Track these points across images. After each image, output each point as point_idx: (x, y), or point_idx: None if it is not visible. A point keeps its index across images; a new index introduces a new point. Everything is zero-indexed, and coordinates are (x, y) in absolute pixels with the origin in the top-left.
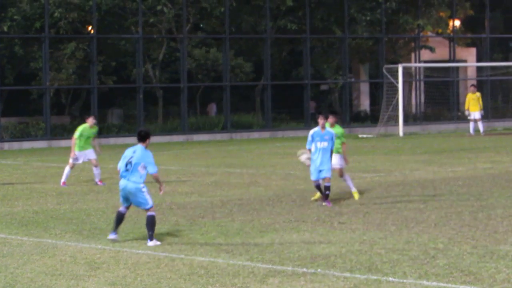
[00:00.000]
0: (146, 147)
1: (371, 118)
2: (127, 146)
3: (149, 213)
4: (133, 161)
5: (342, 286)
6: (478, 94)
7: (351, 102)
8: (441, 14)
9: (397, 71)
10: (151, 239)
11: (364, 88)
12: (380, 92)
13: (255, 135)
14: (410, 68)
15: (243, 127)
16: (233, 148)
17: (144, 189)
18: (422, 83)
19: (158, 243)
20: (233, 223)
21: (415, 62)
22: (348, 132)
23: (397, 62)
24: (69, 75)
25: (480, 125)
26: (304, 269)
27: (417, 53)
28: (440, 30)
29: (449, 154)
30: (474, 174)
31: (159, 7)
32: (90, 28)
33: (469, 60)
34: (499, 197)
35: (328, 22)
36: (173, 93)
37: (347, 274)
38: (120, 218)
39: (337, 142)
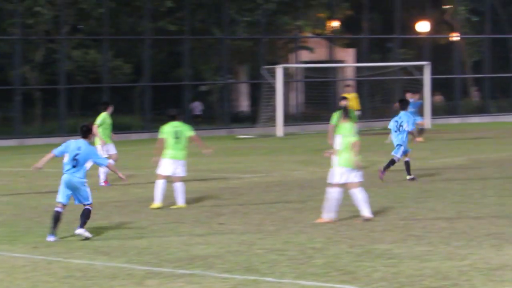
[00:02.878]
0: (89, 143)
1: (251, 119)
2: (4, 149)
3: (87, 206)
4: (80, 158)
5: (221, 287)
6: (353, 94)
7: (230, 103)
8: (320, 15)
9: (276, 72)
10: (81, 226)
11: (244, 89)
12: (260, 93)
13: (134, 136)
14: (289, 68)
15: (122, 129)
16: None
17: (87, 185)
18: (301, 84)
19: (87, 234)
20: (111, 225)
21: (294, 63)
22: (228, 133)
23: (276, 63)
24: None
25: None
26: (183, 271)
27: (296, 54)
28: (319, 31)
29: None
30: None
31: (36, 9)
32: None
33: (348, 60)
34: (376, 196)
35: (207, 23)
36: (52, 95)
37: (226, 275)
38: (58, 218)
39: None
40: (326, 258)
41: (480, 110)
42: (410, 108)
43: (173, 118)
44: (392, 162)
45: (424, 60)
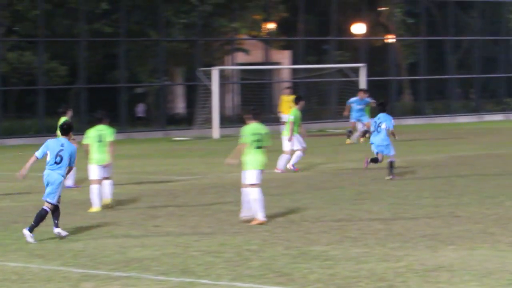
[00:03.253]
0: (69, 140)
1: (187, 121)
2: None
3: (46, 207)
4: (64, 154)
5: None
6: (292, 97)
7: (166, 105)
8: (256, 17)
9: (212, 74)
10: (30, 229)
11: (180, 91)
12: (196, 95)
13: None
14: (225, 70)
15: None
16: None
17: (61, 185)
18: (237, 86)
19: (29, 236)
20: (46, 228)
21: (230, 64)
22: (164, 135)
23: (212, 65)
24: None
25: None
26: (119, 273)
27: (232, 56)
28: (255, 33)
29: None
30: (288, 175)
31: None
32: None
33: (283, 62)
34: (312, 198)
35: (143, 25)
36: None
37: (162, 277)
38: (43, 215)
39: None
40: (262, 260)
41: (416, 112)
42: (356, 106)
43: (99, 121)
44: (384, 162)
45: (360, 62)
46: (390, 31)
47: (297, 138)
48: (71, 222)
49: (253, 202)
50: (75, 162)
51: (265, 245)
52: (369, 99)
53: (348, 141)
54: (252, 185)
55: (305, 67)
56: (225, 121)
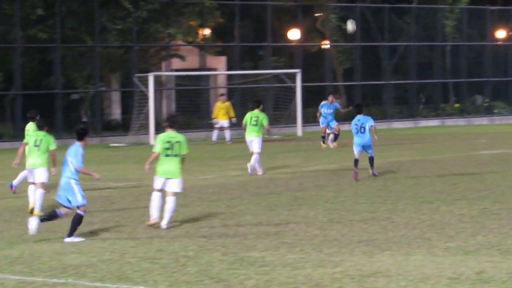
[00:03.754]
0: (83, 145)
1: (123, 127)
2: None
3: (78, 211)
4: (66, 157)
5: None
6: (227, 103)
7: (102, 111)
8: (192, 23)
9: (148, 80)
10: (68, 236)
11: (116, 97)
12: (133, 101)
13: (6, 145)
14: (161, 76)
15: None
16: None
17: (75, 186)
18: (173, 92)
19: (77, 239)
20: None
21: (166, 70)
22: (100, 142)
23: (148, 71)
24: None
25: (227, 133)
26: (55, 280)
27: (168, 62)
28: (190, 39)
29: (200, 162)
30: (225, 181)
31: None
32: None
33: (219, 68)
34: (248, 204)
35: (79, 31)
36: None
37: (98, 284)
38: (52, 215)
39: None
40: (199, 266)
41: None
42: (326, 110)
43: (39, 127)
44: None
45: (295, 67)
46: (326, 36)
47: (260, 140)
48: (6, 229)
49: (152, 203)
50: (79, 162)
51: (202, 251)
52: (337, 104)
53: (323, 145)
54: (157, 190)
55: (240, 73)
56: (161, 127)
